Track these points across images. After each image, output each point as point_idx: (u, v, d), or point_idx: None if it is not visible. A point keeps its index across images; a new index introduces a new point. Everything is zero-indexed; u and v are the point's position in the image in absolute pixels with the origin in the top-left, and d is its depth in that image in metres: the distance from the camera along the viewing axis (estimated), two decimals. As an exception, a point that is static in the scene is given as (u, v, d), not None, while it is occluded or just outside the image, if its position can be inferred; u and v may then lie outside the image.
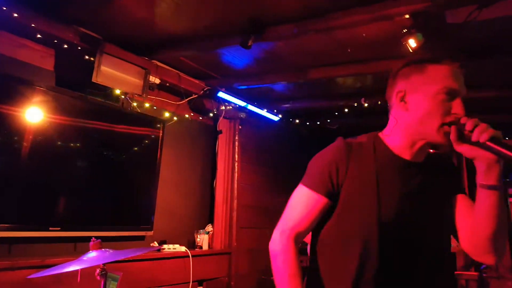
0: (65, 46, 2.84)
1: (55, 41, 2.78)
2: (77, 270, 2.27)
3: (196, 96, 3.85)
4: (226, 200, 4.18)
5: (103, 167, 3.15)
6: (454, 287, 3.79)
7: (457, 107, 1.17)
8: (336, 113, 4.56)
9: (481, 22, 2.39)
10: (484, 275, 3.84)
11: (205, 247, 3.85)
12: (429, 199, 1.27)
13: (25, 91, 2.64)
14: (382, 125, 1.37)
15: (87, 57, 2.96)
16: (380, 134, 1.34)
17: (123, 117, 3.29)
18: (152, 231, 3.35)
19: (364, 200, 1.24)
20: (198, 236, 3.86)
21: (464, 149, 1.13)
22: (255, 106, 4.38)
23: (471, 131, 1.09)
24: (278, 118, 4.74)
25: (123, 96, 3.27)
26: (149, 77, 3.27)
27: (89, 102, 3.05)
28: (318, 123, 4.94)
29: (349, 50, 3.05)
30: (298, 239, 1.29)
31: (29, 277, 1.86)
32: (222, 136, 4.27)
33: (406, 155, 1.27)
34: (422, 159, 1.28)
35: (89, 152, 3.05)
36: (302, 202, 1.30)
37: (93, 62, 2.93)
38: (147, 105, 3.46)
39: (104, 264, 1.78)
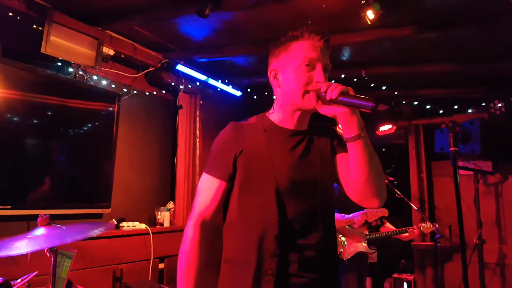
0: (10, 14, 2.65)
1: (-1, 9, 2.60)
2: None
3: (153, 69, 3.71)
4: (187, 177, 4.12)
5: (56, 143, 3.01)
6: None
7: (318, 75, 1.32)
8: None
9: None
10: (438, 244, 4.00)
11: (167, 224, 3.80)
12: (317, 160, 1.40)
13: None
14: None
15: (35, 26, 2.78)
16: (267, 113, 1.49)
17: (76, 91, 3.12)
18: (110, 209, 3.26)
19: (261, 173, 1.35)
20: (159, 213, 3.80)
21: (325, 110, 1.27)
22: (216, 80, 4.30)
23: (326, 92, 1.22)
24: (240, 93, 4.68)
25: (75, 68, 3.10)
26: (102, 48, 3.12)
27: (39, 74, 2.88)
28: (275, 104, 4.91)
29: (309, 22, 3.02)
30: (205, 223, 1.41)
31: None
32: (182, 112, 4.17)
33: (290, 126, 1.42)
34: (306, 126, 1.45)
35: (40, 127, 2.89)
36: (205, 188, 1.43)
37: (42, 32, 2.75)
38: (100, 78, 3.30)
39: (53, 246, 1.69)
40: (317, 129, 1.47)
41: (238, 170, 1.38)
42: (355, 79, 4.04)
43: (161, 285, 2.76)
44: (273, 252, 1.29)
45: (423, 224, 3.92)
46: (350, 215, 3.53)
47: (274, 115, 1.45)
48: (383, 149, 6.47)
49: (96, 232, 1.69)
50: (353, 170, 1.28)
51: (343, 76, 3.94)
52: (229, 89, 4.52)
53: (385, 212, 3.60)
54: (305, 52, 1.34)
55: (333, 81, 1.25)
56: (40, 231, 1.71)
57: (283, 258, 1.29)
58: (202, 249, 1.40)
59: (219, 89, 4.42)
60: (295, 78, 1.34)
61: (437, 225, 3.93)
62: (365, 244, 3.86)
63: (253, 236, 1.32)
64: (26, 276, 1.78)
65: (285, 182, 1.34)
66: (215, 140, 1.48)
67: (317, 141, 1.43)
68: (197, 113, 4.28)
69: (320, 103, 1.27)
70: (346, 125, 1.24)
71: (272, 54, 1.46)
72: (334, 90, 1.19)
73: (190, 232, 1.41)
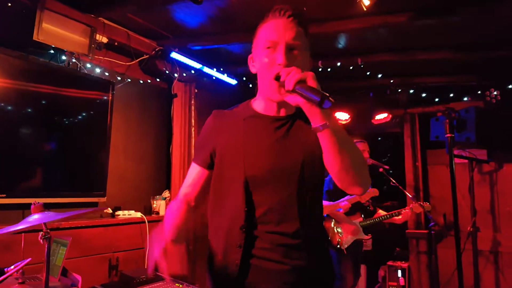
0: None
1: (-12, -6, 2.56)
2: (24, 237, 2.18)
3: (147, 56, 3.68)
4: (183, 166, 4.11)
5: (50, 132, 2.99)
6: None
7: (278, 56, 1.24)
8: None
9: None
10: (432, 232, 4.03)
11: (162, 212, 3.80)
12: (299, 146, 1.33)
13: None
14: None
15: (26, 13, 2.73)
16: (252, 100, 1.45)
17: (69, 79, 3.09)
18: (105, 198, 3.26)
19: (232, 163, 1.34)
20: (155, 202, 3.80)
21: (289, 99, 1.17)
22: (211, 68, 4.26)
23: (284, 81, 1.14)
24: (236, 82, 4.66)
25: (68, 56, 3.07)
26: (95, 35, 3.08)
27: (32, 62, 2.85)
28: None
29: (304, 9, 2.99)
30: (189, 202, 1.47)
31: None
32: (177, 100, 4.14)
33: (271, 112, 1.37)
34: (293, 111, 1.37)
35: (34, 116, 2.88)
36: (190, 173, 1.49)
37: (34, 18, 2.71)
38: (93, 66, 3.27)
39: (47, 227, 1.68)
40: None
41: (215, 160, 1.39)
42: (351, 67, 4.02)
43: (157, 273, 2.76)
44: (239, 243, 1.28)
45: (414, 204, 3.94)
46: (337, 201, 3.53)
47: (257, 102, 1.42)
48: (379, 138, 6.49)
49: (87, 211, 1.68)
50: (325, 159, 1.22)
51: (338, 64, 3.92)
52: (224, 77, 4.49)
53: (375, 192, 3.61)
54: (267, 33, 1.28)
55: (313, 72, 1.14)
56: (34, 217, 1.70)
57: (250, 249, 1.28)
58: (187, 211, 1.44)
59: (214, 78, 4.40)
60: (260, 64, 1.30)
61: (428, 204, 3.95)
62: (361, 232, 3.89)
63: (222, 226, 1.34)
64: (19, 263, 1.77)
65: (256, 171, 1.30)
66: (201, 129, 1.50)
67: (303, 126, 1.34)
68: (192, 102, 4.25)
69: (283, 92, 1.18)
70: (310, 115, 1.14)
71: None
72: (290, 79, 1.11)
73: (177, 199, 1.47)
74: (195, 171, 1.47)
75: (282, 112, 1.37)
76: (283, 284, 1.28)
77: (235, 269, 1.28)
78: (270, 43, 1.26)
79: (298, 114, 1.33)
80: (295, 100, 1.14)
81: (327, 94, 1.06)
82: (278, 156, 1.32)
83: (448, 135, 3.19)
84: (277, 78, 1.19)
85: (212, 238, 1.42)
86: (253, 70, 1.39)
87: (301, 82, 1.10)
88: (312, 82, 1.10)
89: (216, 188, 1.40)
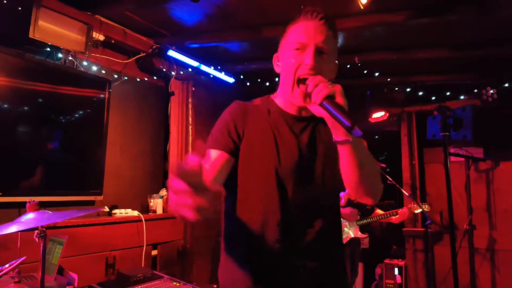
0: (-5, -3, 2.59)
1: (-18, -10, 2.53)
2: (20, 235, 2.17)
3: (144, 54, 3.66)
4: (180, 164, 4.10)
5: (46, 130, 2.97)
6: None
7: (306, 57, 1.23)
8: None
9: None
10: (429, 230, 4.04)
11: (159, 211, 3.79)
12: (320, 149, 1.35)
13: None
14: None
15: (22, 10, 2.71)
16: (272, 95, 1.44)
17: (66, 77, 3.07)
18: (102, 196, 3.24)
19: (263, 152, 1.31)
20: (152, 200, 3.79)
21: (313, 109, 1.17)
22: (208, 66, 4.25)
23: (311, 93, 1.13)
24: (233, 80, 4.65)
25: (64, 54, 3.05)
26: (92, 33, 3.07)
27: (28, 60, 2.83)
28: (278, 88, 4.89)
29: (302, 7, 2.98)
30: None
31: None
32: (174, 98, 4.13)
33: (293, 111, 1.36)
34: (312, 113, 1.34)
35: (30, 114, 2.86)
36: (206, 159, 1.31)
37: (30, 16, 2.69)
38: (90, 63, 3.26)
39: (42, 226, 1.68)
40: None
41: (241, 150, 1.33)
42: (348, 66, 4.02)
43: (154, 271, 2.76)
44: (276, 239, 1.27)
45: (412, 205, 3.95)
46: None
47: (279, 98, 1.41)
48: (376, 136, 6.49)
49: (84, 212, 1.67)
50: (343, 170, 1.23)
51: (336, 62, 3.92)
52: (222, 75, 4.48)
53: None
54: (296, 35, 1.27)
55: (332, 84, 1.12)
56: (29, 216, 1.69)
57: (286, 245, 1.28)
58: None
59: (211, 76, 4.38)
60: (286, 64, 1.29)
61: (427, 205, 3.96)
62: (358, 230, 3.90)
63: (255, 221, 1.30)
64: (14, 261, 1.76)
65: (287, 167, 1.30)
66: (220, 116, 1.41)
67: (322, 129, 1.36)
68: (189, 100, 4.24)
69: (308, 101, 1.19)
70: (333, 129, 1.15)
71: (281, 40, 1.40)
72: (318, 94, 1.09)
73: None
74: (213, 155, 1.31)
75: (304, 113, 1.36)
76: (306, 285, 1.30)
77: (275, 266, 1.27)
78: (299, 45, 1.25)
79: (318, 117, 1.33)
80: (319, 111, 1.13)
81: (355, 121, 1.05)
82: (303, 155, 1.32)
83: (443, 133, 3.19)
84: (299, 81, 1.22)
85: (238, 233, 1.36)
86: (277, 69, 1.38)
87: (329, 97, 1.08)
88: (340, 99, 1.09)
89: (243, 180, 1.34)
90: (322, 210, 1.33)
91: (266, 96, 1.45)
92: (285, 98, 1.36)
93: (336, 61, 1.36)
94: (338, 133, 1.15)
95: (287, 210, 1.29)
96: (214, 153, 1.31)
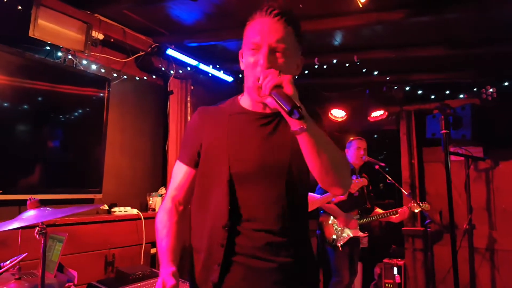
0: (-5, -5, 2.60)
1: (-18, -11, 2.54)
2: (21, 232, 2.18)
3: (143, 53, 3.67)
4: (179, 163, 4.10)
5: (46, 128, 2.98)
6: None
7: (260, 58, 1.23)
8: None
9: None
10: (428, 229, 4.05)
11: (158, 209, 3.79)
12: (287, 144, 1.31)
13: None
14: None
15: (22, 9, 2.72)
16: (239, 96, 1.44)
17: (65, 76, 3.08)
18: (101, 194, 3.25)
19: (216, 161, 1.32)
20: (151, 198, 3.80)
21: (268, 102, 1.21)
22: (207, 65, 4.26)
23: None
24: (232, 79, 4.65)
25: (64, 53, 3.06)
26: (91, 32, 3.07)
27: (28, 59, 2.84)
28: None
29: (300, 6, 2.99)
30: (177, 206, 1.42)
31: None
32: (173, 97, 4.13)
33: (259, 109, 1.35)
34: None
35: (30, 113, 2.87)
36: (175, 174, 1.44)
37: (30, 15, 2.70)
38: (89, 62, 3.26)
39: (43, 223, 1.69)
40: None
41: (200, 157, 1.37)
42: (347, 64, 4.03)
43: (153, 269, 2.77)
44: (221, 242, 1.26)
45: (413, 204, 3.95)
46: (327, 194, 3.51)
47: (244, 98, 1.40)
48: (375, 135, 6.50)
49: (83, 209, 1.69)
50: (307, 161, 1.22)
51: (335, 61, 3.93)
52: (221, 74, 4.49)
53: (364, 182, 3.63)
54: (252, 34, 1.26)
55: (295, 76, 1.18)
56: (30, 213, 1.70)
57: (232, 248, 1.26)
58: (178, 221, 1.40)
59: (210, 75, 4.39)
60: (246, 63, 1.30)
61: (427, 204, 3.96)
62: (358, 229, 3.90)
63: (205, 225, 1.32)
64: (15, 258, 1.77)
65: (242, 168, 1.29)
66: (186, 127, 1.47)
67: (286, 123, 1.31)
68: (188, 99, 4.25)
69: (262, 94, 1.19)
70: (288, 118, 1.16)
71: None
72: (266, 84, 1.13)
73: (165, 206, 1.42)
74: (181, 171, 1.42)
75: (268, 109, 1.33)
76: (272, 283, 1.27)
77: (216, 269, 1.26)
78: (254, 45, 1.25)
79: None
80: (273, 103, 1.16)
81: (298, 104, 1.08)
82: (265, 153, 1.30)
83: (443, 131, 3.19)
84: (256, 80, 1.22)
85: (194, 237, 1.40)
86: (242, 66, 1.37)
87: (278, 86, 1.12)
88: (287, 87, 1.12)
89: (200, 185, 1.38)
90: (287, 208, 1.30)
91: (234, 97, 1.46)
92: (249, 96, 1.36)
93: (301, 56, 1.35)
94: (293, 123, 1.16)
95: (237, 212, 1.27)
96: (182, 169, 1.42)
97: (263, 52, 1.23)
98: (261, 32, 1.24)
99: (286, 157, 1.30)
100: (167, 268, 1.25)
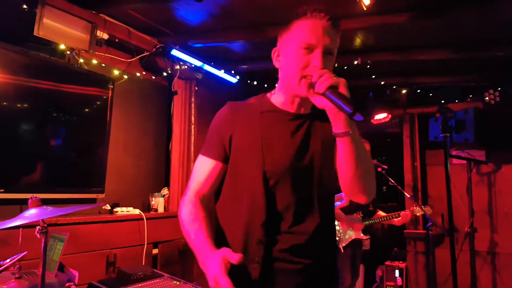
0: (1, -5, 2.61)
1: (-12, -12, 2.55)
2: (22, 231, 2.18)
3: (148, 53, 3.68)
4: (182, 163, 4.11)
5: (49, 127, 2.99)
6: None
7: (315, 59, 1.23)
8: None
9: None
10: (430, 232, 4.04)
11: (161, 210, 3.80)
12: (317, 146, 1.33)
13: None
14: None
15: (27, 8, 2.73)
16: (268, 94, 1.43)
17: (70, 75, 3.09)
18: (104, 194, 3.26)
19: (250, 157, 1.31)
20: (153, 199, 3.80)
21: (316, 100, 1.20)
22: (212, 66, 4.26)
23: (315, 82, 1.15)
24: (236, 80, 4.65)
25: (69, 52, 3.07)
26: (96, 31, 3.08)
27: (32, 57, 2.85)
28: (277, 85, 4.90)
29: (305, 6, 2.99)
30: (203, 200, 1.36)
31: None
32: (177, 98, 4.14)
33: (291, 109, 1.36)
34: (310, 110, 1.36)
35: (33, 112, 2.87)
36: (200, 168, 1.39)
37: (35, 14, 2.71)
38: (95, 62, 3.26)
39: (44, 221, 1.69)
40: (322, 113, 1.31)
41: (231, 153, 1.35)
42: (350, 67, 4.02)
43: (155, 270, 2.77)
44: (259, 239, 1.26)
45: (415, 207, 3.95)
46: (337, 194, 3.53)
47: (276, 96, 1.39)
48: (378, 138, 6.49)
49: (85, 207, 1.68)
50: (340, 165, 1.24)
51: (335, 65, 3.92)
52: (225, 75, 4.49)
53: None
54: (305, 33, 1.25)
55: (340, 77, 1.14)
56: (31, 212, 1.71)
57: (271, 245, 1.27)
58: (206, 216, 1.31)
59: (214, 75, 4.39)
60: (293, 61, 1.27)
61: (429, 208, 3.96)
62: (360, 231, 3.89)
63: (240, 222, 1.30)
64: (15, 256, 1.77)
65: (276, 167, 1.29)
66: (212, 120, 1.43)
67: (319, 126, 1.36)
68: (192, 100, 4.25)
69: (311, 92, 1.19)
70: (334, 121, 1.17)
71: (279, 33, 1.37)
72: (323, 83, 1.12)
73: (190, 200, 1.34)
74: (207, 165, 1.38)
75: (300, 110, 1.36)
76: (298, 283, 1.29)
77: (256, 266, 1.26)
78: (308, 45, 1.24)
79: (315, 114, 1.35)
80: (321, 103, 1.17)
81: (357, 107, 1.08)
82: (298, 154, 1.31)
83: (442, 134, 3.19)
84: (309, 77, 1.21)
85: (227, 233, 1.36)
86: (276, 64, 1.37)
87: (333, 87, 1.12)
88: (343, 89, 1.12)
89: (231, 183, 1.37)
90: (317, 210, 1.31)
91: (262, 94, 1.44)
92: (286, 93, 1.35)
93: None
94: (338, 125, 1.17)
95: (274, 210, 1.28)
96: (208, 163, 1.38)
97: (317, 53, 1.23)
98: (316, 33, 1.24)
99: (319, 160, 1.32)
100: (212, 257, 1.15)
